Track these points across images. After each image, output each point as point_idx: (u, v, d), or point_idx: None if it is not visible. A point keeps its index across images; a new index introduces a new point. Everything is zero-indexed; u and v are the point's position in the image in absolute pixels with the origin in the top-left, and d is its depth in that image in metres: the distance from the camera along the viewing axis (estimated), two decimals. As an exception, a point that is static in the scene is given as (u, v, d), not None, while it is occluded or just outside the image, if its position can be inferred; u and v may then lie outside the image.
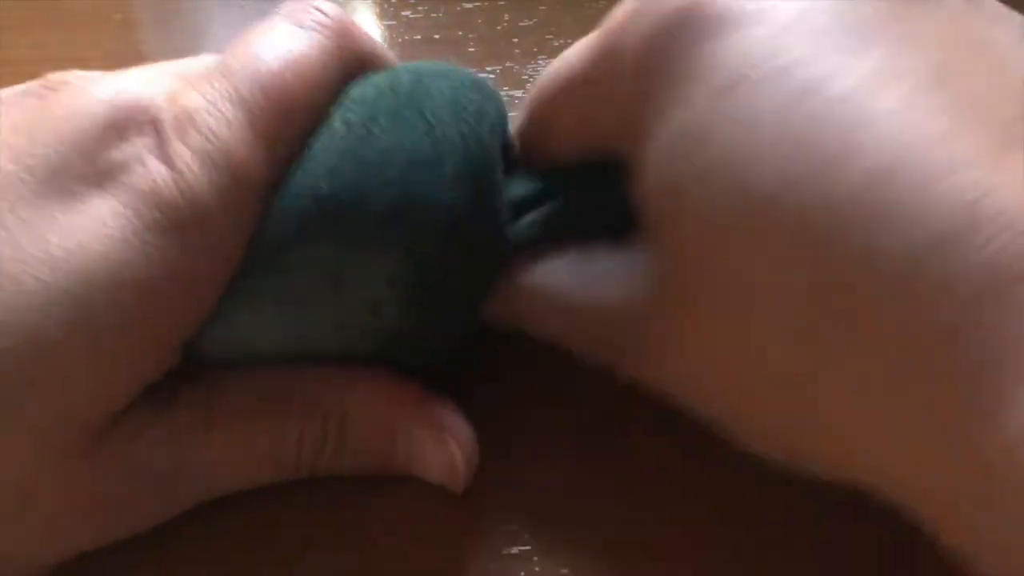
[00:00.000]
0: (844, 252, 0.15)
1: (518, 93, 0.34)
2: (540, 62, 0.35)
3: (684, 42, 0.18)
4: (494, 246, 0.21)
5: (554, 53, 0.36)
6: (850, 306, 0.15)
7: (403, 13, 0.39)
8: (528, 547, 0.21)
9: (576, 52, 0.21)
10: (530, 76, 0.35)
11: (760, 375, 0.17)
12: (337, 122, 0.20)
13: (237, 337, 0.21)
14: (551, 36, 0.36)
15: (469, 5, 0.39)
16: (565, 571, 0.20)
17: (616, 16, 0.20)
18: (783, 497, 0.21)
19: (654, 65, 0.18)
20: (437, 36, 0.37)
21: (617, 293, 0.20)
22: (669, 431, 0.23)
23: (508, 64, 0.35)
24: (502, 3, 0.39)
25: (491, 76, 0.35)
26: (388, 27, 0.39)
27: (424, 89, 0.21)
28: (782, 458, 0.18)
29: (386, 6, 0.40)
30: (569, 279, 0.21)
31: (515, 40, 0.37)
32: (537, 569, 0.20)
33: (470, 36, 0.37)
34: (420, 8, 0.39)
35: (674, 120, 0.18)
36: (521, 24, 0.37)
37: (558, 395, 0.24)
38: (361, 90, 0.21)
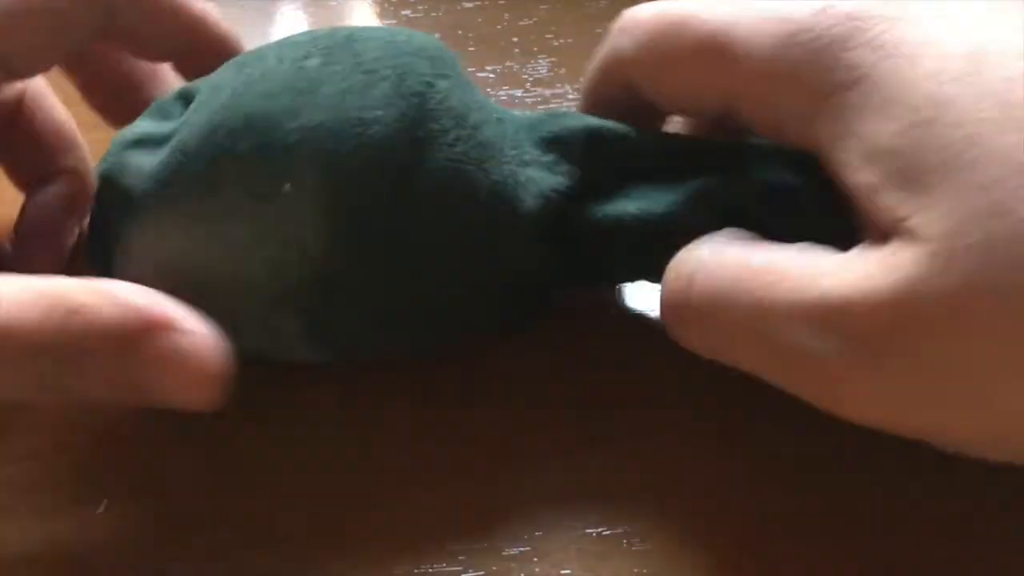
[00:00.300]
0: None
1: (518, 93, 0.34)
2: (540, 62, 0.35)
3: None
4: (468, 207, 0.21)
5: (554, 53, 0.36)
6: None
7: (403, 13, 0.39)
8: (528, 547, 0.21)
9: (785, 2, 0.19)
10: (530, 76, 0.35)
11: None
12: (272, 58, 0.21)
13: (162, 255, 0.21)
14: (551, 36, 0.36)
15: (469, 5, 0.39)
16: (565, 571, 0.20)
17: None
18: (780, 502, 0.22)
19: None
20: (437, 36, 0.37)
21: (867, 284, 0.16)
22: (668, 432, 0.23)
23: (508, 64, 0.35)
24: (502, 3, 0.39)
25: (491, 76, 0.35)
26: (388, 27, 0.38)
27: (361, 34, 0.22)
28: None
29: (386, 6, 0.40)
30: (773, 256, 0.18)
31: (515, 40, 0.37)
32: (537, 569, 0.20)
33: (470, 36, 0.37)
34: (420, 8, 0.39)
35: (897, 109, 0.16)
36: (521, 24, 0.37)
37: (557, 395, 0.24)
38: (297, 36, 0.22)
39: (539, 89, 0.34)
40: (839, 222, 0.19)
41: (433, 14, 0.39)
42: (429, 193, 0.21)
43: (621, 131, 0.23)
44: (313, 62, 0.21)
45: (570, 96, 0.34)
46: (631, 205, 0.22)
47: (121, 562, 0.21)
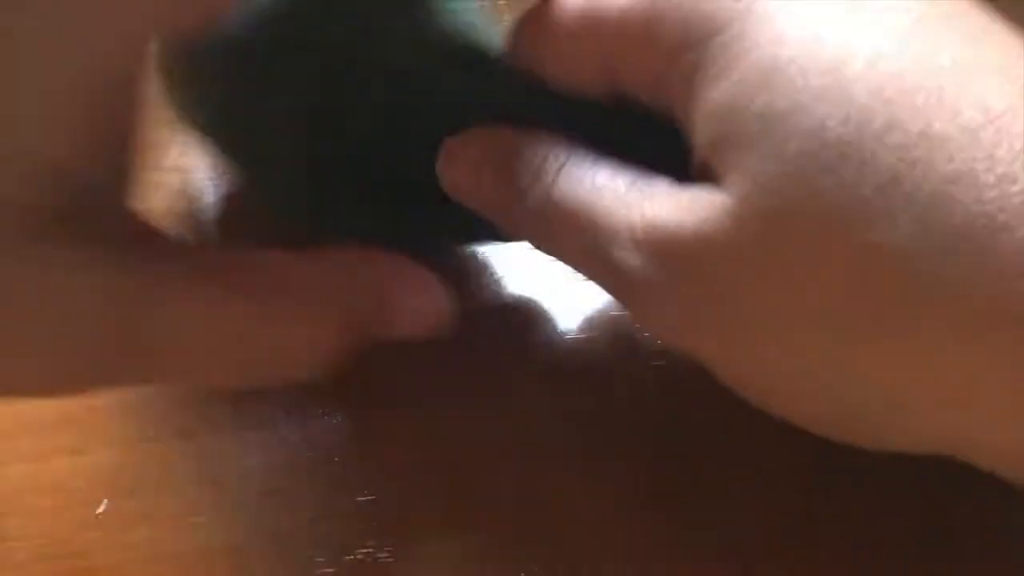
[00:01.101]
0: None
1: (518, 93, 0.34)
2: (540, 62, 0.35)
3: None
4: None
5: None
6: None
7: (403, 13, 0.39)
8: (528, 547, 0.21)
9: None
10: (530, 76, 0.35)
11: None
12: None
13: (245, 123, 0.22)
14: (551, 36, 0.36)
15: (469, 5, 0.39)
16: (565, 571, 0.20)
17: None
18: (780, 508, 0.22)
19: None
20: (437, 36, 0.37)
21: (680, 217, 0.18)
22: (669, 431, 0.23)
23: (508, 64, 0.35)
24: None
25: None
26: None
27: None
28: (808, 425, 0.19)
29: (386, 6, 0.40)
30: (610, 180, 0.19)
31: (515, 40, 0.37)
32: (537, 569, 0.20)
33: (470, 36, 0.37)
34: (420, 8, 0.39)
35: (735, 72, 0.17)
36: (521, 24, 0.37)
37: (558, 394, 0.24)
38: None
39: (539, 89, 0.34)
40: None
41: (433, 14, 0.39)
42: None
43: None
44: None
45: (570, 96, 0.34)
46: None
47: (122, 562, 0.21)
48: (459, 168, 0.22)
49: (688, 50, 0.18)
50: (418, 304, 0.20)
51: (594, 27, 0.20)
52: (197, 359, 0.18)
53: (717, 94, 0.17)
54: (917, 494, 0.21)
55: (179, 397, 0.24)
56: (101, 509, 0.22)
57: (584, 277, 0.21)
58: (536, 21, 0.21)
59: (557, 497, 0.22)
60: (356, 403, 0.23)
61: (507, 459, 0.22)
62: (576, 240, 0.20)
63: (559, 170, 0.20)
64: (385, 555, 0.21)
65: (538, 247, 0.21)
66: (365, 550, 0.21)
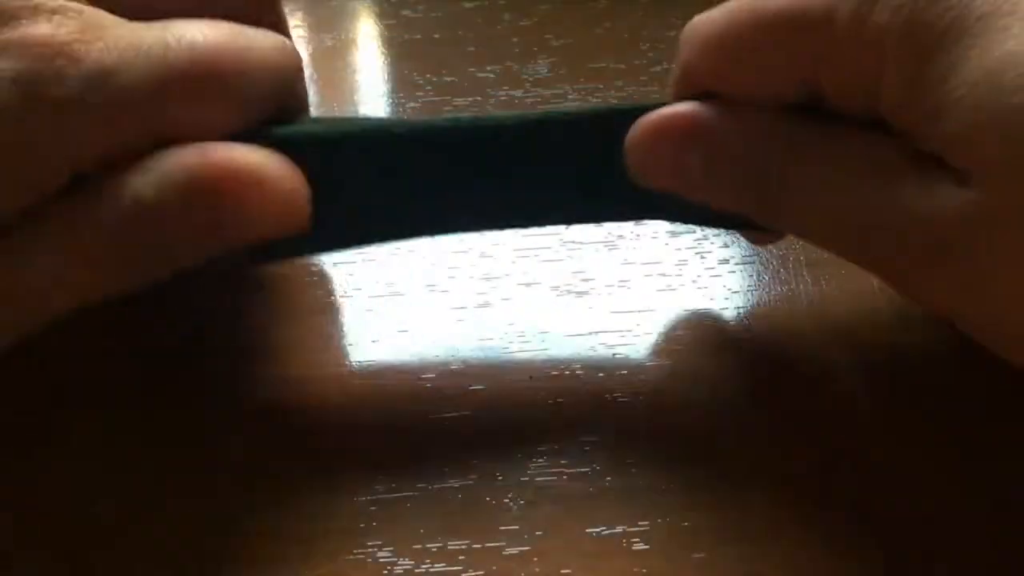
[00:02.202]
0: None
1: (518, 93, 0.34)
2: (540, 62, 0.35)
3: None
4: None
5: (554, 53, 0.36)
6: None
7: (403, 13, 0.39)
8: (528, 547, 0.21)
9: None
10: (530, 76, 0.35)
11: None
12: None
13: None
14: (551, 36, 0.36)
15: (469, 5, 0.39)
16: (566, 571, 0.20)
17: None
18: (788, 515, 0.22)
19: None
20: (437, 36, 0.37)
21: (920, 194, 0.19)
22: (667, 432, 0.23)
23: (508, 64, 0.35)
24: (502, 3, 0.39)
25: (491, 76, 0.35)
26: (388, 27, 0.39)
27: None
28: None
29: (386, 6, 0.40)
30: (849, 172, 0.20)
31: (515, 40, 0.37)
32: (537, 569, 0.20)
33: (470, 36, 0.37)
34: (420, 8, 0.39)
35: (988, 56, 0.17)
36: (521, 24, 0.37)
37: (550, 400, 0.24)
38: None
39: (539, 89, 0.34)
40: None
41: (433, 14, 0.39)
42: None
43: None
44: None
45: (570, 96, 0.34)
46: None
47: (122, 562, 0.21)
48: (656, 154, 0.22)
49: (927, 55, 0.18)
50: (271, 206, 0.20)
51: (796, 29, 0.20)
52: None
53: (961, 92, 0.18)
54: None
55: (181, 399, 0.24)
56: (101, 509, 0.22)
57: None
58: (716, 33, 0.21)
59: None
60: (357, 402, 0.23)
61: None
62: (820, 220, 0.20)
63: (790, 146, 0.20)
64: (385, 555, 0.21)
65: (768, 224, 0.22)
66: (366, 550, 0.21)
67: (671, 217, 0.25)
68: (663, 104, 0.22)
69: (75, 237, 0.19)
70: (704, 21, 0.21)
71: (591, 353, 0.25)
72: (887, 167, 0.19)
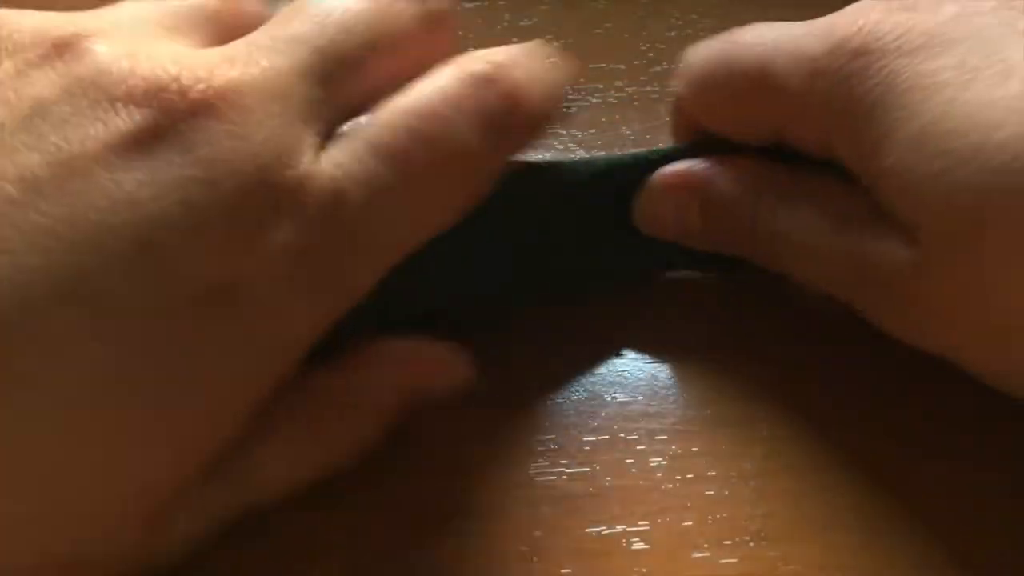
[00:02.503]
0: None
1: (518, 93, 0.34)
2: (540, 62, 0.35)
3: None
4: None
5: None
6: None
7: (403, 13, 0.39)
8: (528, 547, 0.21)
9: (807, 35, 0.22)
10: (530, 76, 0.35)
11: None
12: None
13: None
14: (551, 36, 0.36)
15: (469, 5, 0.39)
16: (566, 571, 0.20)
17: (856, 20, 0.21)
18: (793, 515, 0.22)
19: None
20: (437, 36, 0.37)
21: (875, 245, 0.21)
22: (667, 432, 0.23)
23: (508, 64, 0.35)
24: (502, 3, 0.39)
25: (491, 76, 0.35)
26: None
27: None
28: None
29: (386, 6, 0.40)
30: (820, 221, 0.22)
31: (515, 40, 0.36)
32: (537, 569, 0.20)
33: (470, 36, 0.37)
34: (420, 8, 0.39)
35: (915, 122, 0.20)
36: (521, 24, 0.37)
37: (550, 399, 0.24)
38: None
39: (539, 89, 0.34)
40: None
41: (433, 14, 0.39)
42: None
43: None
44: None
45: (570, 96, 0.34)
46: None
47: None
48: (662, 207, 0.24)
49: (850, 122, 0.21)
50: (443, 381, 0.22)
51: (766, 97, 0.22)
52: None
53: (892, 160, 0.20)
54: None
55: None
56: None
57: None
58: (699, 77, 0.24)
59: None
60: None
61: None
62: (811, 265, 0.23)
63: (773, 208, 0.23)
64: (393, 554, 0.21)
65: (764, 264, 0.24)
66: (369, 550, 0.21)
67: (671, 264, 0.26)
68: (665, 152, 0.25)
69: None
70: (693, 61, 0.24)
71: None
72: (851, 219, 0.22)
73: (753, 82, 0.22)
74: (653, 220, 0.24)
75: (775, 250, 0.23)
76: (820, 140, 0.22)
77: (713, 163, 0.24)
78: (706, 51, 0.24)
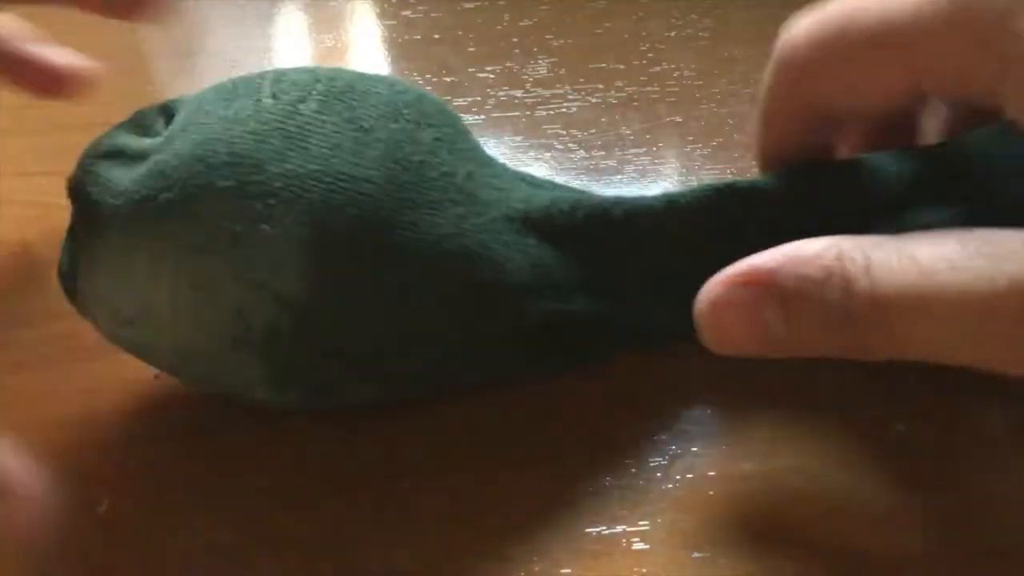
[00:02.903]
0: None
1: (518, 93, 0.34)
2: (540, 62, 0.35)
3: None
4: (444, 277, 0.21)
5: (554, 53, 0.36)
6: None
7: (403, 13, 0.39)
8: (528, 547, 0.21)
9: None
10: (530, 76, 0.35)
11: None
12: (266, 93, 0.21)
13: (127, 276, 0.20)
14: (551, 36, 0.36)
15: (469, 5, 0.39)
16: (566, 571, 0.20)
17: None
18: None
19: None
20: (437, 36, 0.37)
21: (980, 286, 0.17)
22: (669, 433, 0.23)
23: (508, 64, 0.35)
24: (502, 3, 0.39)
25: (491, 76, 0.35)
26: (388, 27, 0.39)
27: (361, 85, 0.22)
28: None
29: (386, 6, 0.40)
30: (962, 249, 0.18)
31: (515, 40, 0.37)
32: (537, 569, 0.20)
33: (470, 36, 0.37)
34: (420, 8, 0.39)
35: None
36: (521, 24, 0.37)
37: (550, 400, 0.24)
38: (295, 73, 0.22)
39: (539, 89, 0.34)
40: None
41: (433, 14, 0.39)
42: (415, 257, 0.20)
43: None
44: (308, 107, 0.21)
45: (570, 96, 0.34)
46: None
47: (122, 562, 0.21)
48: (733, 318, 0.20)
49: (993, 42, 0.18)
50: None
51: (895, 35, 0.20)
52: None
53: None
54: None
55: (181, 398, 0.24)
56: (101, 509, 0.22)
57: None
58: (828, 40, 0.21)
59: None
60: (356, 404, 0.23)
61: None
62: (922, 330, 0.18)
63: (867, 270, 0.18)
64: (392, 557, 0.21)
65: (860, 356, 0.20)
66: (368, 550, 0.21)
67: None
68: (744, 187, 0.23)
69: None
70: (811, 24, 0.21)
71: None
72: (953, 261, 0.18)
73: (880, 37, 0.20)
74: (722, 337, 0.20)
75: (889, 340, 0.19)
76: (962, 90, 0.19)
77: (787, 253, 0.19)
78: (811, 23, 0.21)
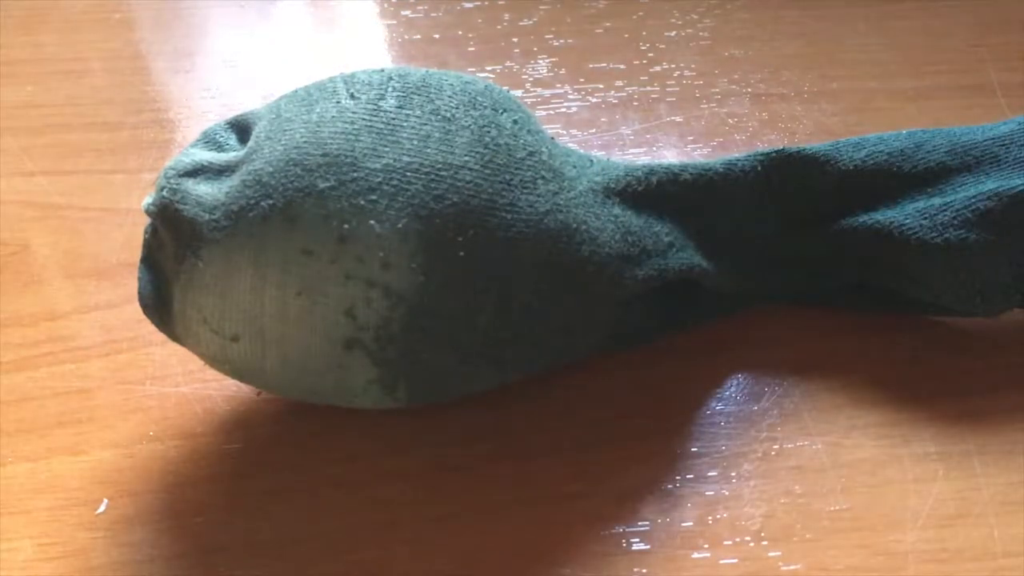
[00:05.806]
0: None
1: (518, 93, 0.34)
2: (540, 62, 0.35)
3: None
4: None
5: (554, 53, 0.36)
6: None
7: (403, 13, 0.39)
8: (529, 547, 0.21)
9: None
10: (530, 76, 0.35)
11: None
12: (343, 95, 0.21)
13: (230, 290, 0.20)
14: (551, 36, 0.36)
15: (469, 5, 0.39)
16: (565, 571, 0.20)
17: None
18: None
19: None
20: (437, 36, 0.37)
21: None
22: (668, 433, 0.23)
23: (508, 64, 0.35)
24: (502, 3, 0.39)
25: (491, 76, 0.35)
26: (388, 27, 0.39)
27: (435, 79, 0.22)
28: None
29: (386, 6, 0.40)
30: None
31: (515, 40, 0.37)
32: (537, 569, 0.20)
33: (470, 36, 0.37)
34: (420, 8, 0.39)
35: None
36: (521, 24, 0.37)
37: (549, 401, 0.24)
38: (365, 74, 0.22)
39: (539, 89, 0.34)
40: None
41: (433, 14, 0.39)
42: (519, 237, 0.20)
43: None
44: (389, 103, 0.21)
45: (570, 96, 0.34)
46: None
47: (122, 562, 0.21)
48: None
49: None
50: None
51: None
52: None
53: None
54: None
55: (181, 399, 0.24)
56: (101, 509, 0.22)
57: None
58: None
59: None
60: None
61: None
62: None
63: None
64: (393, 553, 0.21)
65: None
66: (368, 549, 0.21)
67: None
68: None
69: None
70: None
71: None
72: None
73: None
74: None
75: None
76: None
77: None
78: None
